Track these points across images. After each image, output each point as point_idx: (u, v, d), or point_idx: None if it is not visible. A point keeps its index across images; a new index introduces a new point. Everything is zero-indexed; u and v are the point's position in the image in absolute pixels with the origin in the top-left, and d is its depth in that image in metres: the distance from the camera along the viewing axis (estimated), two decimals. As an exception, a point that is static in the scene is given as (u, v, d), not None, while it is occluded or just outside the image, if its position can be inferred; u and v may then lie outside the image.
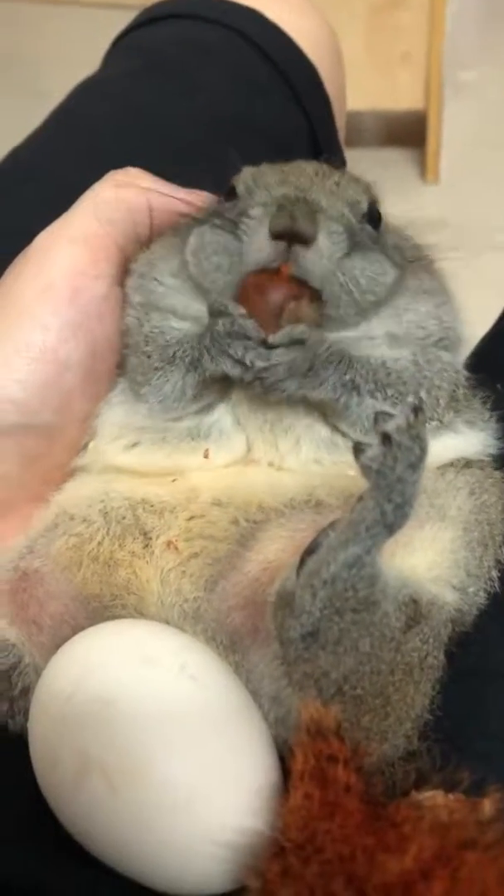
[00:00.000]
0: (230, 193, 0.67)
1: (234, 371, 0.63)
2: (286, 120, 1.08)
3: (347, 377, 0.64)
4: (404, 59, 2.39)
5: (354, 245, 0.64)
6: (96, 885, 0.58)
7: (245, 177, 0.67)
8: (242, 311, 0.62)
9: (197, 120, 1.04)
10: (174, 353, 0.67)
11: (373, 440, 0.56)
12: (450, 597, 0.63)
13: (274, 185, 0.65)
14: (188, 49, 1.09)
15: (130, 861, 0.55)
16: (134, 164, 0.75)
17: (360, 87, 2.33)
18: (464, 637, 0.65)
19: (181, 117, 1.05)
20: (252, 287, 0.63)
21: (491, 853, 0.48)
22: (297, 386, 0.63)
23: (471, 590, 0.64)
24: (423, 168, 2.51)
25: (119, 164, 0.75)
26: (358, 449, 0.56)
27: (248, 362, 0.62)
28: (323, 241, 0.62)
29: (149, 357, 0.68)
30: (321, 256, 0.62)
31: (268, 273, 0.63)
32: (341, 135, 1.18)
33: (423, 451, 0.55)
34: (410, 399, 0.57)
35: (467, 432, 0.69)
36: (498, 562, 0.66)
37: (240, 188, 0.67)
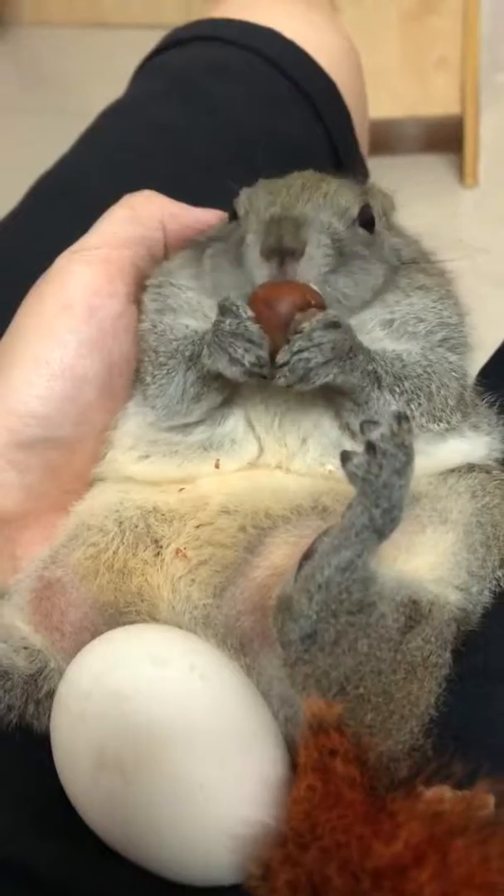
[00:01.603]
0: (233, 216, 0.71)
1: (228, 370, 0.65)
2: (307, 135, 1.11)
3: (370, 367, 0.66)
4: (439, 64, 2.39)
5: (342, 255, 0.67)
6: (122, 877, 0.59)
7: (242, 199, 0.71)
8: (251, 314, 0.64)
9: (219, 138, 1.08)
10: (177, 348, 0.70)
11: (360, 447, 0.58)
12: (452, 597, 0.64)
13: (263, 208, 0.68)
14: (210, 70, 1.12)
15: (146, 852, 0.57)
16: (158, 183, 0.78)
17: (397, 93, 2.35)
18: (471, 636, 0.67)
19: (204, 136, 1.08)
20: (260, 300, 0.65)
21: (477, 838, 0.50)
22: (337, 370, 0.64)
23: (474, 589, 0.65)
24: (462, 173, 2.50)
25: (144, 182, 0.78)
26: (345, 457, 0.58)
27: (246, 363, 0.63)
28: (311, 250, 0.65)
29: (156, 354, 0.71)
30: (312, 265, 0.65)
31: (271, 283, 0.65)
32: (364, 146, 1.20)
33: (409, 457, 0.57)
34: (394, 407, 0.59)
35: (472, 436, 0.71)
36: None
37: (239, 211, 0.70)
